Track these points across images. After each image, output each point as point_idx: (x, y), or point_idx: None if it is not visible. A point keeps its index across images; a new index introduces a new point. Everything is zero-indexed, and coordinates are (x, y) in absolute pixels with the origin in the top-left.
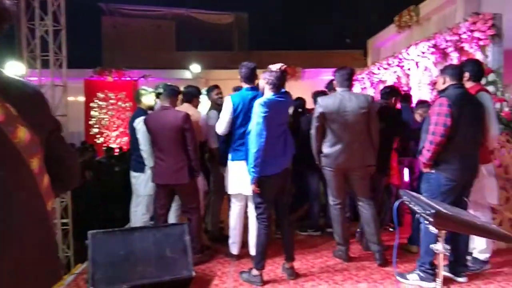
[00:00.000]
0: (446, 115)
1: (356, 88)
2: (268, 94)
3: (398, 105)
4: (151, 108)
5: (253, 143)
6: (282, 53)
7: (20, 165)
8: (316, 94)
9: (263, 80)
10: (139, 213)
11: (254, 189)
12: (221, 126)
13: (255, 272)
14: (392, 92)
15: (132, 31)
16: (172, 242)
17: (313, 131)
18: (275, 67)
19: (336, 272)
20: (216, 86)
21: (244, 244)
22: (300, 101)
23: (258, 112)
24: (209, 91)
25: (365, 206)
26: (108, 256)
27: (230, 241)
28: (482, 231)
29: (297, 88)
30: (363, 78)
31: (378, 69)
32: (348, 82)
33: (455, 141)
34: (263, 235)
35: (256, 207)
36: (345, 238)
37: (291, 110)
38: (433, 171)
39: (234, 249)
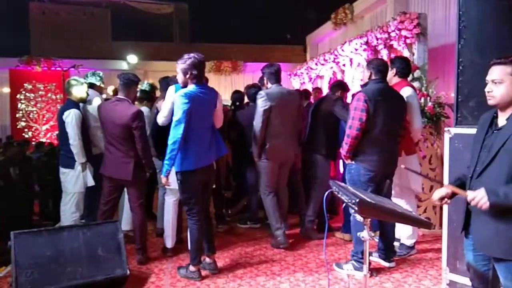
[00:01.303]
0: (362, 110)
1: (296, 82)
2: (190, 86)
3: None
4: (82, 100)
5: (171, 135)
6: (223, 46)
7: None
8: (249, 88)
9: (181, 70)
10: (68, 211)
11: (165, 182)
12: (163, 117)
13: (192, 268)
14: (338, 86)
15: (63, 18)
16: (105, 241)
17: (258, 124)
18: (189, 55)
19: (274, 263)
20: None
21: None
22: (239, 95)
23: (178, 104)
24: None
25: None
26: (34, 257)
27: (165, 234)
28: (403, 218)
29: (238, 82)
30: (302, 73)
31: (316, 64)
32: (279, 78)
33: (372, 134)
34: (195, 230)
35: (185, 203)
36: (281, 219)
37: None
38: (353, 162)
39: (169, 242)
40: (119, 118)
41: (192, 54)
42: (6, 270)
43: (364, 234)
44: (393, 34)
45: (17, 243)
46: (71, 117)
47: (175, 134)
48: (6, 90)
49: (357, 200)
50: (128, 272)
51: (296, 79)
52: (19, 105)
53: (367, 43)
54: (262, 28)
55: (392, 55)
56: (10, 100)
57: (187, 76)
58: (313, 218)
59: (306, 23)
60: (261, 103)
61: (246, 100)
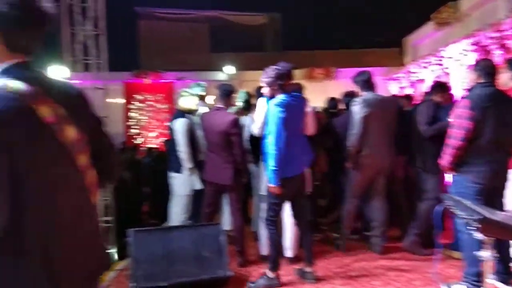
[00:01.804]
0: (467, 118)
1: (394, 87)
2: (280, 96)
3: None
4: (190, 110)
5: (273, 144)
6: (315, 53)
7: (69, 162)
8: (345, 96)
9: (266, 84)
10: (177, 212)
11: (276, 191)
12: (258, 128)
13: (271, 274)
14: (437, 87)
15: (168, 34)
16: (208, 242)
17: (356, 132)
18: (272, 68)
19: (375, 277)
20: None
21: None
22: (334, 102)
23: (275, 113)
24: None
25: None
26: (149, 253)
27: (261, 241)
28: None
29: (331, 88)
30: (400, 77)
31: (417, 67)
32: (372, 85)
33: (479, 143)
34: (275, 237)
35: (269, 209)
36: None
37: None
38: (456, 174)
39: (264, 250)
40: (218, 126)
41: (275, 66)
42: (123, 264)
43: (484, 254)
44: (508, 33)
45: (135, 240)
46: (180, 125)
47: (277, 142)
48: (120, 100)
49: (480, 217)
50: (230, 273)
51: (393, 84)
52: (131, 114)
53: (477, 43)
54: (354, 32)
55: (508, 56)
56: (124, 109)
57: (273, 87)
58: (417, 232)
59: (402, 24)
60: (358, 110)
61: (341, 106)
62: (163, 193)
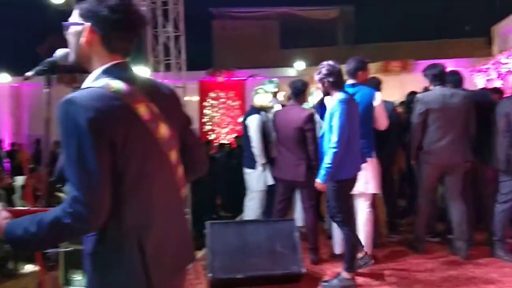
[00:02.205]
0: None
1: (480, 80)
2: (337, 93)
3: None
4: (264, 107)
5: (334, 141)
6: (391, 45)
7: (162, 159)
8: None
9: (318, 82)
10: (252, 207)
11: (322, 188)
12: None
13: (347, 275)
14: None
15: (240, 32)
16: (282, 237)
17: (414, 128)
18: (322, 65)
19: (460, 283)
20: None
21: None
22: (413, 96)
23: (338, 110)
24: None
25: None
26: (225, 245)
27: (334, 240)
28: None
29: (408, 82)
30: (488, 68)
31: (507, 58)
32: (443, 79)
33: None
34: (352, 237)
35: (339, 212)
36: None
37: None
38: None
39: (338, 249)
40: (293, 122)
41: (325, 63)
42: (200, 254)
43: None
44: None
45: (211, 232)
46: (253, 122)
47: (339, 139)
48: (196, 98)
49: None
50: (304, 270)
51: (480, 76)
52: (205, 111)
53: None
54: (435, 22)
55: None
56: (199, 107)
57: (325, 85)
58: (498, 237)
59: (490, 11)
60: (417, 107)
61: None
62: (235, 187)
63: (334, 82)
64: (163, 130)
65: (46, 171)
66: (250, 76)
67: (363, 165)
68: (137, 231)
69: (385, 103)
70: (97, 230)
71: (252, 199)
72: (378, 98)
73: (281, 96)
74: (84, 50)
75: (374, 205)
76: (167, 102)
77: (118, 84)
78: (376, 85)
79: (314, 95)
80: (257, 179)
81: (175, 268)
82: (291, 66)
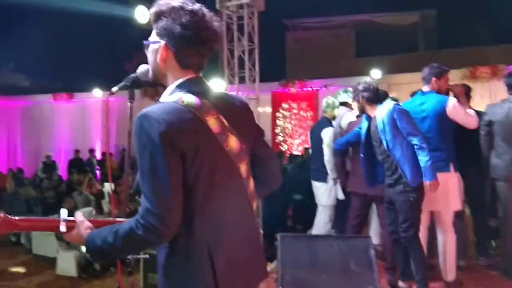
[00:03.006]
0: None
1: None
2: (383, 104)
3: None
4: (334, 117)
5: (416, 140)
6: (477, 50)
7: (232, 171)
8: None
9: (354, 100)
10: (321, 221)
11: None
12: None
13: None
14: None
15: (313, 43)
16: (357, 255)
17: (481, 140)
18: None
19: None
20: None
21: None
22: None
23: (395, 114)
24: None
25: None
26: (296, 259)
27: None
28: None
29: (499, 89)
30: None
31: None
32: None
33: None
34: (422, 253)
35: (411, 223)
36: None
37: None
38: None
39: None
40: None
41: (362, 81)
42: (271, 266)
43: None
44: None
45: (282, 244)
46: (326, 134)
47: (419, 135)
48: (268, 109)
49: None
50: None
51: None
52: (278, 122)
53: None
54: None
55: None
56: (271, 118)
57: (360, 101)
58: None
59: None
60: (483, 117)
61: None
62: (307, 199)
63: (369, 98)
64: (233, 142)
65: (128, 180)
66: (324, 86)
67: (442, 180)
68: (207, 244)
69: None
70: (168, 241)
71: (321, 213)
72: (451, 104)
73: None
74: (160, 67)
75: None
76: (238, 114)
77: (190, 98)
78: (467, 93)
79: (342, 113)
80: (327, 193)
81: (246, 284)
82: (366, 74)
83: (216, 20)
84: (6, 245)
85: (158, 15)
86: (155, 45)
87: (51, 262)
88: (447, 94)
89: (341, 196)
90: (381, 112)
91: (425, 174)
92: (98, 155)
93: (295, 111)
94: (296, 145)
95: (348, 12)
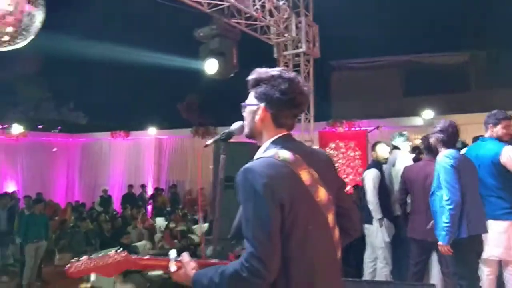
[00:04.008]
0: None
1: None
2: (444, 151)
3: None
4: (384, 160)
5: (446, 199)
6: None
7: (322, 221)
8: None
9: (434, 142)
10: (378, 265)
11: (446, 250)
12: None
13: None
14: None
15: (358, 83)
16: None
17: None
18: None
19: None
20: None
21: None
22: None
23: (444, 164)
24: None
25: None
26: None
27: None
28: None
29: None
30: None
31: None
32: None
33: None
34: None
35: (461, 278)
36: None
37: None
38: None
39: None
40: (429, 176)
41: (443, 120)
42: None
43: None
44: None
45: None
46: (368, 176)
47: (451, 196)
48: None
49: None
50: None
51: None
52: None
53: None
54: None
55: None
56: None
57: (433, 140)
58: None
59: None
60: None
61: None
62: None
63: (444, 140)
64: (322, 194)
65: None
66: (376, 128)
67: (505, 228)
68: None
69: None
70: (268, 285)
71: (370, 256)
72: (505, 153)
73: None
74: (257, 126)
75: None
76: (324, 167)
77: (285, 154)
78: None
79: (395, 157)
80: (374, 235)
81: None
82: (417, 115)
83: (306, 85)
84: (64, 276)
85: (258, 82)
86: (253, 107)
87: None
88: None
89: (386, 238)
90: (438, 159)
91: (440, 235)
92: (149, 191)
93: (343, 150)
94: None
95: (394, 52)
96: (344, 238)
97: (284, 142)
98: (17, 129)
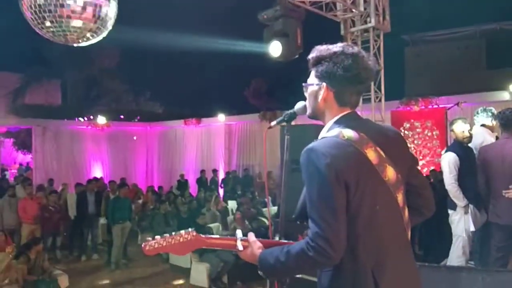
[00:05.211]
0: None
1: None
2: None
3: None
4: (465, 140)
5: None
6: None
7: (391, 200)
8: None
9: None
10: (454, 253)
11: None
12: None
13: None
14: None
15: (436, 57)
16: None
17: None
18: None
19: None
20: None
21: None
22: None
23: None
24: None
25: None
26: None
27: None
28: None
29: None
30: None
31: None
32: None
33: None
34: None
35: None
36: None
37: None
38: None
39: None
40: (507, 158)
41: None
42: None
43: None
44: None
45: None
46: (445, 160)
47: None
48: None
49: None
50: None
51: None
52: None
53: None
54: None
55: None
56: None
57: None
58: None
59: None
60: None
61: None
62: (434, 225)
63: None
64: (390, 172)
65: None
66: (456, 104)
67: None
68: (371, 269)
69: None
70: (334, 264)
71: (454, 244)
72: None
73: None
74: (320, 105)
75: None
76: (393, 145)
77: (349, 132)
78: None
79: (479, 136)
80: (456, 222)
81: None
82: (503, 89)
83: (371, 60)
84: (147, 255)
85: (319, 60)
86: (314, 86)
87: (186, 272)
88: None
89: (471, 227)
90: None
91: None
92: (221, 175)
93: (418, 130)
94: (420, 167)
95: (475, 21)
96: (416, 217)
97: (348, 120)
98: (101, 120)
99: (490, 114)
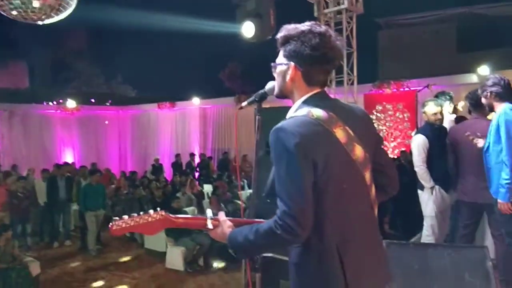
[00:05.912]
0: None
1: None
2: (504, 105)
3: None
4: (436, 121)
5: (506, 154)
6: None
7: (358, 179)
8: None
9: (483, 97)
10: (424, 233)
11: (507, 209)
12: None
13: None
14: None
15: (409, 40)
16: (472, 266)
17: None
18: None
19: None
20: None
21: None
22: None
23: (505, 119)
24: None
25: None
26: (404, 268)
27: None
28: None
29: None
30: None
31: None
32: None
33: None
34: None
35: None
36: None
37: None
38: None
39: None
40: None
41: (491, 75)
42: None
43: None
44: None
45: (388, 251)
46: (414, 141)
47: (509, 151)
48: None
49: None
50: None
51: None
52: None
53: None
54: None
55: None
56: None
57: (488, 97)
58: None
59: None
60: None
61: None
62: (405, 205)
63: (499, 93)
64: (359, 151)
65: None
66: (426, 87)
67: None
68: (337, 245)
69: None
70: (302, 242)
71: (424, 223)
72: None
73: (460, 105)
74: (288, 85)
75: None
76: (361, 124)
77: (318, 112)
78: None
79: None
80: (425, 202)
81: (374, 285)
82: (472, 72)
83: (339, 39)
84: (121, 240)
85: (287, 39)
86: (283, 66)
87: (161, 256)
88: None
89: (442, 206)
90: (497, 112)
91: (499, 192)
92: (196, 159)
93: (390, 112)
94: (392, 148)
95: (446, 5)
96: (380, 195)
97: (317, 100)
98: (71, 104)
99: (448, 97)
